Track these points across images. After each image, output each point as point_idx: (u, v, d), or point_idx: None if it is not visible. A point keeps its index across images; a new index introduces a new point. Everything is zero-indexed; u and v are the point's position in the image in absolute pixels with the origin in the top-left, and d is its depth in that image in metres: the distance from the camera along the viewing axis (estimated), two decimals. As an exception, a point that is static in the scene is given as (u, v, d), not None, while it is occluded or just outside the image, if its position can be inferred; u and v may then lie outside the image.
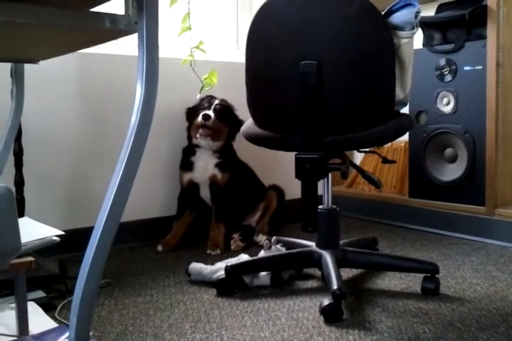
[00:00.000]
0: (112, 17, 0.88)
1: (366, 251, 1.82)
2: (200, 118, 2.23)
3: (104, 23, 0.87)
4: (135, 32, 0.90)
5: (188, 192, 2.33)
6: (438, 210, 2.46)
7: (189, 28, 2.32)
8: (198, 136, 2.25)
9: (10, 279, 1.19)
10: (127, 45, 2.30)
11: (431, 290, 1.64)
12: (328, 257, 1.63)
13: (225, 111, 2.31)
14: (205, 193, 2.32)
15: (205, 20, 2.72)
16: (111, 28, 0.88)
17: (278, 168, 2.74)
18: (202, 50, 2.36)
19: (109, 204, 0.85)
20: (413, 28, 1.52)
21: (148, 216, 2.42)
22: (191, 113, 2.34)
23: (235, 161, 2.40)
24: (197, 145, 2.31)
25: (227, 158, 2.32)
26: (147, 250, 2.25)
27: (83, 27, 0.88)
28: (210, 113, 2.23)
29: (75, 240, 1.63)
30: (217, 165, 2.29)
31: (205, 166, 2.29)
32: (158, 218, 2.45)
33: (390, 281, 1.78)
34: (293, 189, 2.30)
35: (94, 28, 0.89)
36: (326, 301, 1.44)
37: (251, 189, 2.45)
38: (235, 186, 2.32)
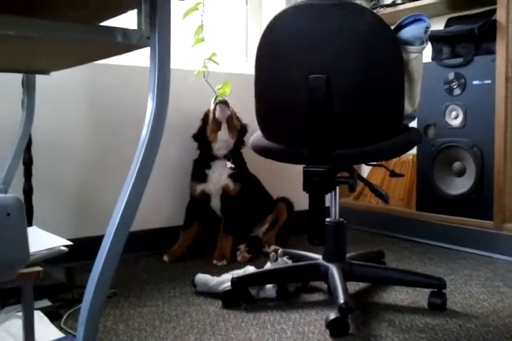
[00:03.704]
0: (124, 31, 0.88)
1: (373, 265, 1.81)
2: (213, 106, 2.28)
3: (116, 38, 0.88)
4: (147, 46, 0.91)
5: (199, 203, 2.33)
6: (445, 224, 2.45)
7: (202, 40, 2.34)
8: (218, 113, 2.26)
9: (17, 287, 1.19)
10: (138, 56, 2.32)
11: (438, 305, 1.63)
12: (334, 270, 1.63)
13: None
14: (216, 203, 2.33)
15: (217, 32, 2.74)
16: (123, 43, 0.89)
17: (286, 180, 2.74)
18: (214, 61, 2.38)
19: (119, 216, 0.86)
20: (422, 43, 1.53)
21: (155, 226, 2.42)
22: (199, 134, 2.36)
23: (246, 172, 2.41)
24: (213, 157, 2.31)
25: (239, 168, 2.34)
26: (153, 260, 2.25)
27: (95, 41, 0.89)
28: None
29: (82, 249, 1.64)
30: (231, 175, 2.30)
31: (220, 177, 2.30)
32: (165, 228, 2.45)
33: (397, 296, 1.77)
34: (300, 201, 2.31)
35: (106, 42, 0.89)
36: (332, 315, 1.44)
37: (259, 200, 2.46)
38: (245, 197, 2.33)
